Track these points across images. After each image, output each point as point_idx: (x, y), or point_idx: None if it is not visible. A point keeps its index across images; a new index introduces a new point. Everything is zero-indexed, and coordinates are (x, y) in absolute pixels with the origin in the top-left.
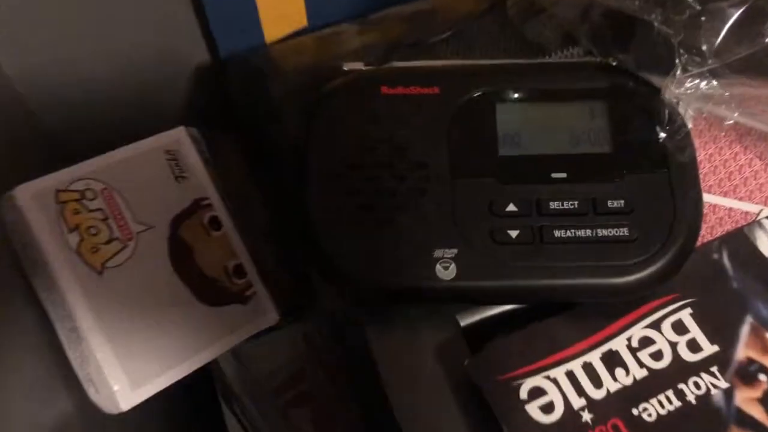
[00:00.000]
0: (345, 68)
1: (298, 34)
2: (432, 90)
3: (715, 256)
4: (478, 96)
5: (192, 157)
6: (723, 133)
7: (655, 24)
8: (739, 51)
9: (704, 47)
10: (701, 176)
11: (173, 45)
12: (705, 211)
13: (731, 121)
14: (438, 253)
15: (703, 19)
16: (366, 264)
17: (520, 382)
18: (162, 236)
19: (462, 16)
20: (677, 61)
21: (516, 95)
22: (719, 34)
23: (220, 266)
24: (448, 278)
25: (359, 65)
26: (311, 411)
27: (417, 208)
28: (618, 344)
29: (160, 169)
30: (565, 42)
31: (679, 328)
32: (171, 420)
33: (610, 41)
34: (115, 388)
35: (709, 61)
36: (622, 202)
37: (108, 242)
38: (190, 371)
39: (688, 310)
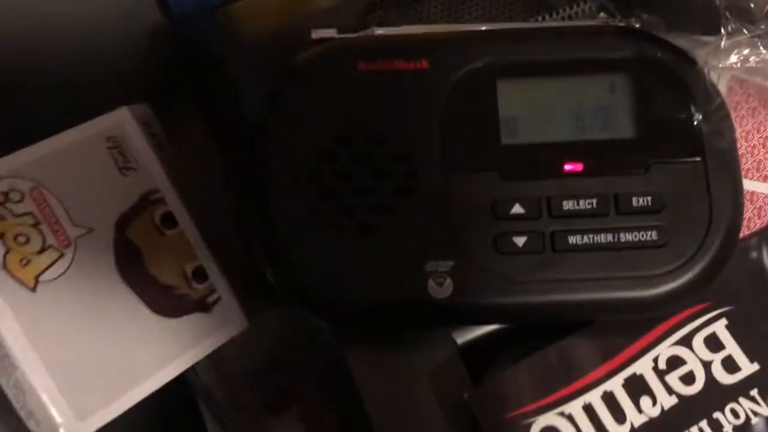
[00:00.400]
0: (314, 36)
1: None
2: (419, 64)
3: (754, 254)
4: (475, 71)
5: (139, 144)
6: (763, 106)
7: None
8: None
9: (753, 6)
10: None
11: (117, 1)
12: None
13: None
14: (431, 266)
15: None
16: (343, 281)
17: (530, 420)
18: (106, 240)
19: None
20: (722, 29)
21: (521, 69)
22: None
23: (176, 271)
24: (444, 296)
25: (331, 32)
26: (297, 409)
27: (404, 212)
28: (643, 367)
29: (101, 160)
30: None
31: (713, 343)
32: (143, 426)
33: None
34: (59, 421)
35: (762, 26)
36: (650, 198)
37: (41, 251)
38: (147, 394)
39: (723, 322)
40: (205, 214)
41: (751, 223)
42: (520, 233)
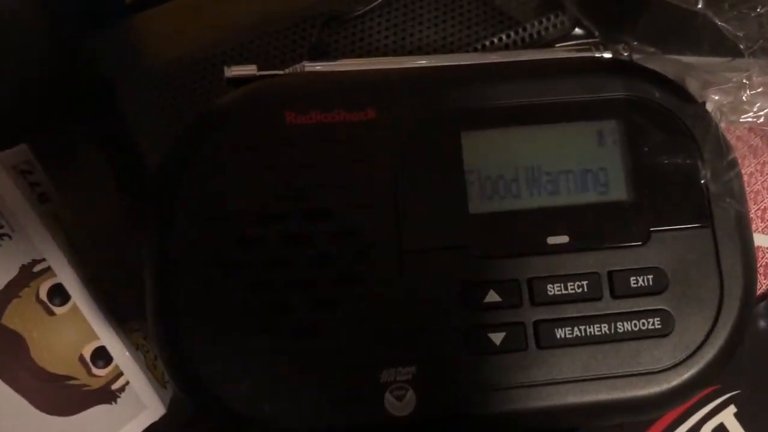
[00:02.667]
0: (228, 75)
1: None
2: (365, 115)
3: (762, 323)
4: (434, 121)
5: (16, 202)
6: (766, 144)
7: (717, 22)
8: None
9: None
10: None
11: None
12: None
13: None
14: (387, 374)
15: None
16: (276, 400)
17: None
18: None
19: None
20: (744, 80)
21: (490, 117)
22: None
23: (72, 357)
24: (405, 412)
25: (250, 70)
26: None
27: (351, 306)
28: None
29: None
30: (543, 7)
31: None
32: None
33: (609, 8)
34: None
35: None
36: (651, 277)
37: None
38: None
39: (731, 409)
40: (107, 272)
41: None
42: (497, 327)
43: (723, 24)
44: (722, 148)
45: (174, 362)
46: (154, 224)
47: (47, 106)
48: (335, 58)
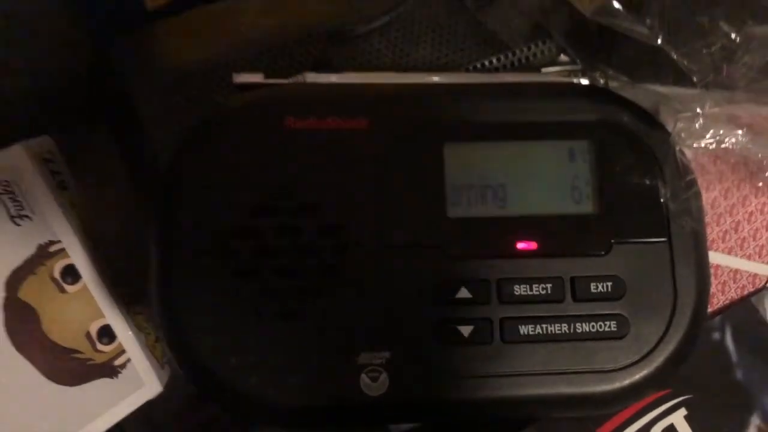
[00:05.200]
0: (236, 81)
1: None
2: (358, 123)
3: (716, 335)
4: (420, 132)
5: (37, 188)
6: (732, 170)
7: (674, 57)
8: None
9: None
10: None
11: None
12: None
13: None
14: (363, 358)
15: (740, 51)
16: (260, 378)
17: None
18: None
19: None
20: (698, 109)
21: (472, 132)
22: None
23: (79, 332)
24: (378, 393)
25: (257, 77)
26: None
27: (333, 294)
28: None
29: None
30: (533, 35)
31: None
32: None
33: (591, 40)
34: None
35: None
36: (610, 284)
37: None
38: None
39: (682, 412)
40: (116, 260)
41: (714, 299)
42: (466, 321)
43: (679, 58)
44: (681, 170)
45: (171, 336)
46: (159, 214)
47: (69, 104)
48: (337, 71)
